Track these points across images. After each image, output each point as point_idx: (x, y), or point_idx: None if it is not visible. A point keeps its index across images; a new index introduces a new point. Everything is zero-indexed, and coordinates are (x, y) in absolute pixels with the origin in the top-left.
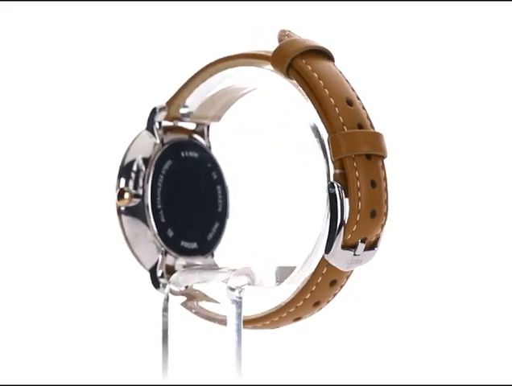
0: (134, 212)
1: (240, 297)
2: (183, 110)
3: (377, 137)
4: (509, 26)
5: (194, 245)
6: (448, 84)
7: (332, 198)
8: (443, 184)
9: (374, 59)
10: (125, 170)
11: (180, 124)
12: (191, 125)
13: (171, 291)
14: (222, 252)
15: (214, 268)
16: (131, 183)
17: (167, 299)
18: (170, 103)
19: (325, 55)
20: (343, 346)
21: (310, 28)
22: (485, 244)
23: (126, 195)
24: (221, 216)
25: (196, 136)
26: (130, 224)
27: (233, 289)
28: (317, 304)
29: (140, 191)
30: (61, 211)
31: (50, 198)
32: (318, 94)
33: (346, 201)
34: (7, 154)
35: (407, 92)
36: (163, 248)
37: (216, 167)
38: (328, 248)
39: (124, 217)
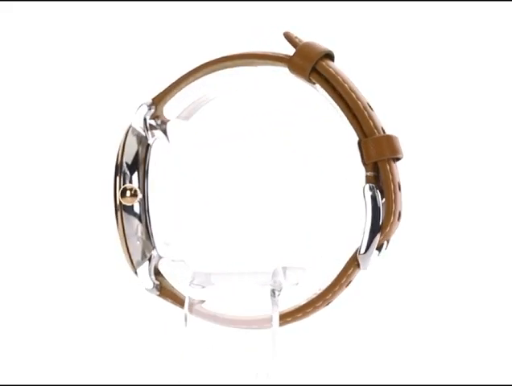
0: (131, 210)
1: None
2: (167, 108)
3: (397, 140)
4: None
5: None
6: (444, 84)
7: (372, 200)
8: (440, 184)
9: (364, 60)
10: (121, 169)
11: (159, 122)
12: (155, 122)
13: (190, 300)
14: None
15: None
16: (129, 181)
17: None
18: (157, 100)
19: (332, 58)
20: (341, 345)
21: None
22: (481, 241)
23: (129, 193)
24: None
25: (160, 133)
26: (127, 222)
27: (274, 291)
28: (328, 304)
29: (139, 189)
30: (49, 211)
31: (40, 197)
32: (347, 98)
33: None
34: None
35: (393, 93)
36: (153, 248)
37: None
38: (365, 249)
39: (124, 214)
